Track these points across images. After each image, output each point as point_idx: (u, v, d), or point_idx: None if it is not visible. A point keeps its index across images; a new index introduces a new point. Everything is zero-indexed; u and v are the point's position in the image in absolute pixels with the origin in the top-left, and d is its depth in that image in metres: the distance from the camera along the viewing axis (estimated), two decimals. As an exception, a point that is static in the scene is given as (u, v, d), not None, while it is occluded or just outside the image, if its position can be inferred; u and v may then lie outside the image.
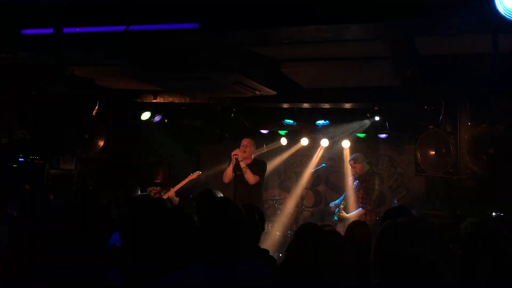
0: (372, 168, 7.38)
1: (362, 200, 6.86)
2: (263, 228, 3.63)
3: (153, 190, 7.08)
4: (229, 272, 2.19)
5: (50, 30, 3.42)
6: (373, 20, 3.02)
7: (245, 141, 6.60)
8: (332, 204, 7.45)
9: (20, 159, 5.98)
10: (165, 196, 6.85)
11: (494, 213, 6.86)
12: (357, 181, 7.08)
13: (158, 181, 7.19)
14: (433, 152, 5.24)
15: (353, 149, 8.41)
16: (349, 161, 7.36)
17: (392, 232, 2.26)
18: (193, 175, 7.29)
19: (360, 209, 6.78)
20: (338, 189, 8.78)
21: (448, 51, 4.25)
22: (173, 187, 7.14)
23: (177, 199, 7.12)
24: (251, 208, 3.53)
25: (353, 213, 6.81)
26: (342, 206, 7.01)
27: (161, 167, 7.30)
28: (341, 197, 7.52)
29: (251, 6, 3.21)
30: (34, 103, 5.97)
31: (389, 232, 2.28)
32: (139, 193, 5.57)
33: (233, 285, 2.17)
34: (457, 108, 5.02)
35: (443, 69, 4.77)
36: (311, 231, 3.26)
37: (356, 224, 3.79)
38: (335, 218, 7.10)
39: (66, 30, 3.41)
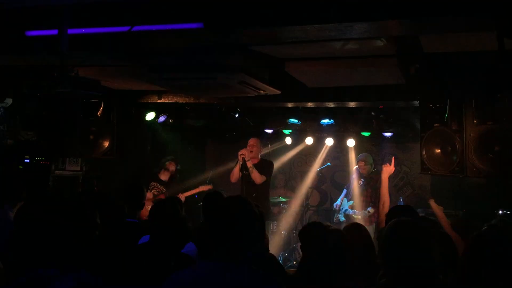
0: (376, 167, 7.39)
1: (371, 199, 6.87)
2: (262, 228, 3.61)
3: (156, 187, 7.02)
4: (233, 271, 2.18)
5: (54, 31, 3.43)
6: (377, 18, 3.01)
7: (252, 141, 6.59)
8: (335, 205, 7.45)
9: (25, 160, 6.01)
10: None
11: (500, 211, 6.83)
12: (363, 180, 7.08)
13: (165, 179, 7.14)
14: (439, 150, 5.20)
15: (357, 148, 8.39)
16: (358, 161, 7.31)
17: (398, 231, 2.25)
18: (204, 187, 7.31)
19: (371, 208, 6.81)
20: (343, 188, 8.77)
21: (453, 48, 4.23)
22: (177, 189, 7.13)
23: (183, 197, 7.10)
24: None
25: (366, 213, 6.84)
26: (366, 211, 6.92)
27: (173, 163, 7.20)
28: (342, 195, 7.53)
29: (254, 5, 3.21)
30: (40, 104, 6.01)
31: (394, 231, 2.27)
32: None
33: (238, 284, 2.16)
34: (462, 106, 4.98)
35: (448, 66, 4.74)
36: (317, 230, 3.26)
37: (352, 226, 3.71)
38: (342, 218, 7.09)
39: (71, 31, 3.42)
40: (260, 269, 2.24)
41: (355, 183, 7.34)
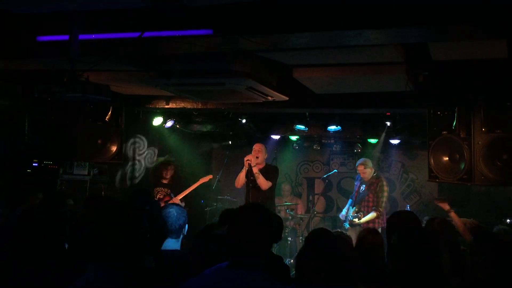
0: (377, 171, 7.29)
1: (373, 204, 6.82)
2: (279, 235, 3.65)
3: (161, 191, 7.00)
4: (246, 277, 2.18)
5: (65, 37, 3.46)
6: (387, 26, 3.02)
7: (257, 146, 6.59)
8: (341, 216, 7.38)
9: (34, 164, 6.05)
10: (173, 201, 6.73)
11: (508, 220, 6.78)
12: (364, 186, 7.02)
13: (166, 181, 7.12)
14: (447, 158, 5.19)
15: (365, 155, 8.37)
16: (358, 166, 7.21)
17: (409, 238, 2.25)
18: (205, 179, 7.23)
19: (373, 212, 6.73)
20: (349, 194, 8.72)
21: (462, 56, 4.23)
22: (183, 190, 7.09)
23: (182, 204, 7.04)
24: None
25: (367, 217, 6.75)
26: (359, 214, 6.88)
27: (170, 167, 7.09)
28: (347, 205, 7.45)
29: (263, 12, 3.23)
30: (49, 109, 6.05)
31: (405, 238, 2.27)
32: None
33: None
34: (471, 114, 4.97)
35: (457, 74, 4.74)
36: (322, 237, 3.26)
37: (368, 231, 3.76)
38: (347, 225, 7.04)
39: (81, 36, 3.46)
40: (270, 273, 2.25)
41: (356, 190, 7.27)
